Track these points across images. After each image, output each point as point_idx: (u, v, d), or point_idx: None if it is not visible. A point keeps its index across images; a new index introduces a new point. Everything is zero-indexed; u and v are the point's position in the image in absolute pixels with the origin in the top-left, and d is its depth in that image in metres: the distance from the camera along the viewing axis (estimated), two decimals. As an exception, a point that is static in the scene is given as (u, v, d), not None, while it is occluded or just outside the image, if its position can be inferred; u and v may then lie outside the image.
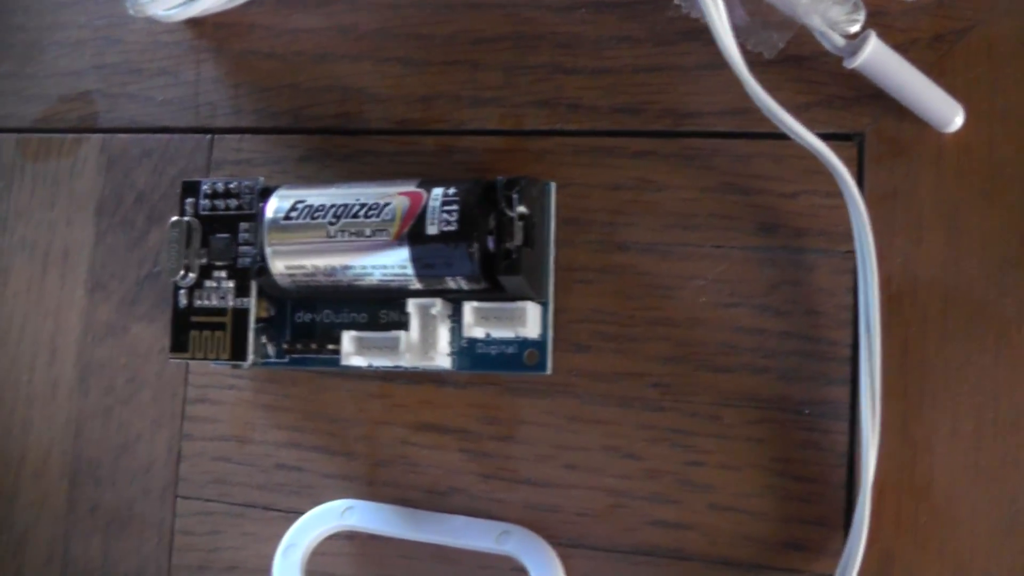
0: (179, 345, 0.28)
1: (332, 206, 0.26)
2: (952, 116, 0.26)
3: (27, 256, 0.33)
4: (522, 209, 0.26)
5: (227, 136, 0.32)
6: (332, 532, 0.29)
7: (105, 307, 0.32)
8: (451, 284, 0.26)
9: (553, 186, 0.28)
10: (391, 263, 0.26)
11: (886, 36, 0.26)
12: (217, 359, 0.28)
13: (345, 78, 0.31)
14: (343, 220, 0.26)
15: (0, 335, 0.33)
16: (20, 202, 0.34)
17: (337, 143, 0.31)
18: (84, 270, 0.33)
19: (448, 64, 0.30)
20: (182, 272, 0.28)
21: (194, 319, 0.28)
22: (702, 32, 0.28)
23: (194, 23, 0.32)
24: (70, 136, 0.33)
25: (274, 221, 0.27)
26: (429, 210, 0.25)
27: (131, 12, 0.31)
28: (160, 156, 0.32)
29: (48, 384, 0.32)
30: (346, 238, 0.26)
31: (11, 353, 0.33)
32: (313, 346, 0.28)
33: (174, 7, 0.31)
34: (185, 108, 0.32)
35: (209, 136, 0.32)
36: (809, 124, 0.26)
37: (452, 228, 0.25)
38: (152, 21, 0.32)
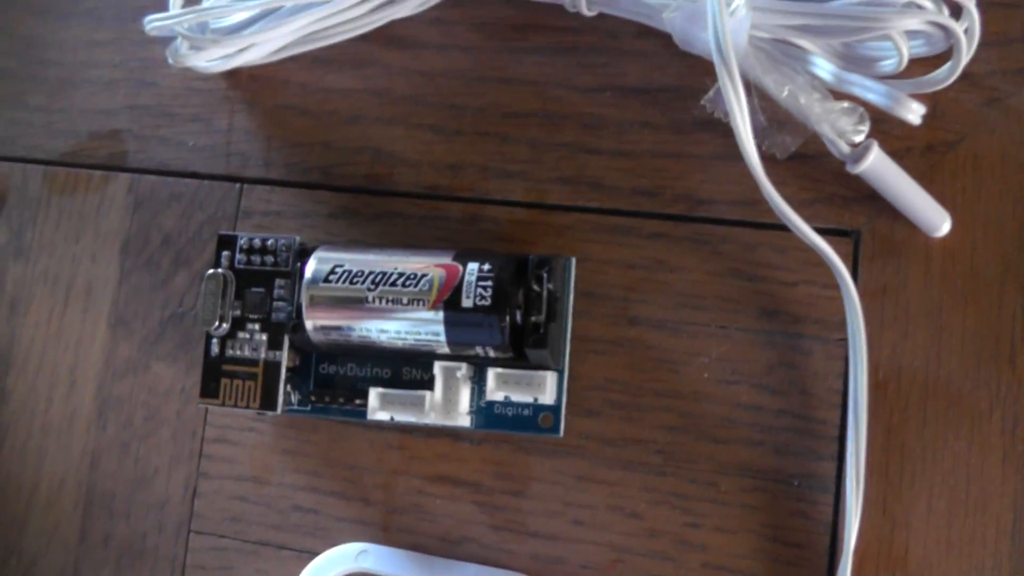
0: (210, 391, 0.29)
1: (371, 272, 0.28)
2: (940, 223, 0.29)
3: (49, 288, 0.34)
4: (550, 287, 0.27)
5: (257, 187, 0.33)
6: (346, 574, 0.30)
7: (127, 344, 0.33)
8: (478, 351, 0.28)
9: (573, 262, 0.30)
10: (425, 330, 0.27)
11: (884, 142, 0.29)
12: (247, 407, 0.29)
13: (377, 140, 0.32)
14: (381, 287, 0.27)
15: (18, 363, 0.34)
16: (44, 234, 0.34)
17: (366, 202, 0.32)
18: (107, 306, 0.33)
19: (478, 135, 0.32)
20: (216, 322, 0.29)
21: (225, 367, 0.29)
22: (717, 124, 0.30)
23: (229, 74, 0.34)
24: (98, 173, 0.34)
25: (313, 282, 0.28)
26: (465, 284, 0.27)
27: (170, 62, 0.32)
28: (189, 201, 0.33)
29: (65, 415, 0.33)
30: (384, 304, 0.27)
31: (28, 381, 0.34)
32: (341, 400, 0.29)
33: (214, 60, 0.32)
34: (216, 156, 0.33)
35: (239, 185, 0.33)
36: (811, 219, 0.29)
37: (486, 303, 0.27)
38: (188, 68, 0.33)
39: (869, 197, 0.29)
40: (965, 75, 0.29)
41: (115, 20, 0.35)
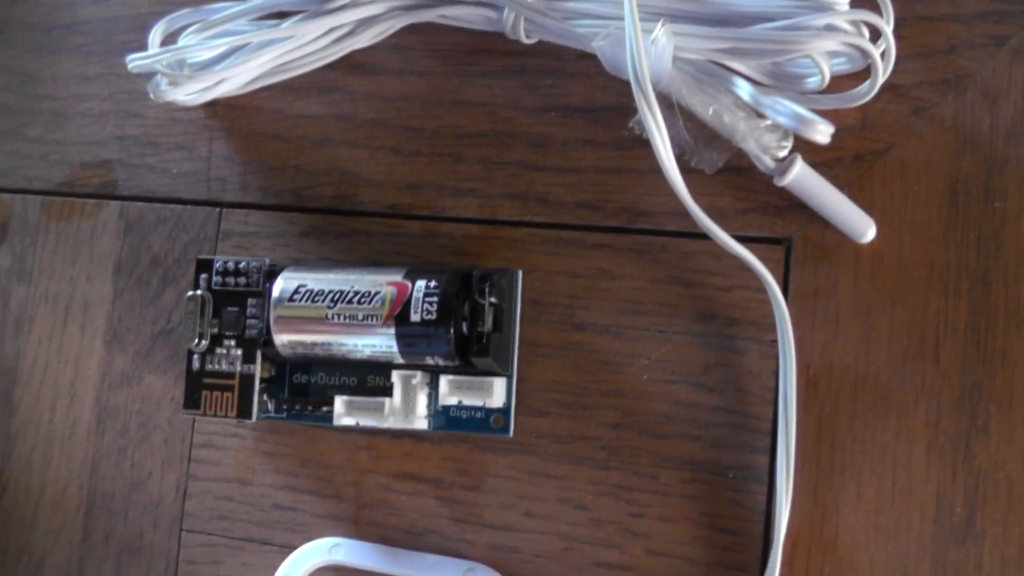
0: (192, 403, 0.32)
1: (330, 291, 0.30)
2: (865, 230, 0.30)
3: (50, 308, 0.37)
4: (492, 300, 0.30)
5: (235, 210, 0.36)
6: (320, 566, 0.33)
7: (121, 358, 0.36)
8: (429, 360, 0.30)
9: (520, 274, 0.32)
10: (379, 343, 0.30)
11: (816, 152, 0.31)
12: (226, 416, 0.32)
13: (343, 162, 0.35)
14: (339, 305, 0.30)
15: (23, 378, 0.37)
16: (44, 258, 0.37)
17: (334, 222, 0.35)
18: (103, 323, 0.36)
19: (434, 155, 0.34)
20: (196, 340, 0.32)
21: (206, 380, 0.32)
22: (655, 141, 0.32)
23: (208, 104, 0.36)
24: (91, 201, 0.37)
25: (279, 301, 0.31)
26: (413, 300, 0.29)
27: (152, 97, 0.35)
28: (174, 224, 0.36)
29: (67, 425, 0.36)
30: (342, 321, 0.30)
31: (33, 394, 0.37)
32: (310, 407, 0.32)
33: (192, 93, 0.35)
34: (198, 182, 0.36)
35: (218, 209, 0.36)
36: (744, 228, 0.31)
37: (432, 316, 0.29)
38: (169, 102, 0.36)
39: (800, 206, 0.31)
40: (892, 86, 0.31)
41: (103, 55, 0.38)
